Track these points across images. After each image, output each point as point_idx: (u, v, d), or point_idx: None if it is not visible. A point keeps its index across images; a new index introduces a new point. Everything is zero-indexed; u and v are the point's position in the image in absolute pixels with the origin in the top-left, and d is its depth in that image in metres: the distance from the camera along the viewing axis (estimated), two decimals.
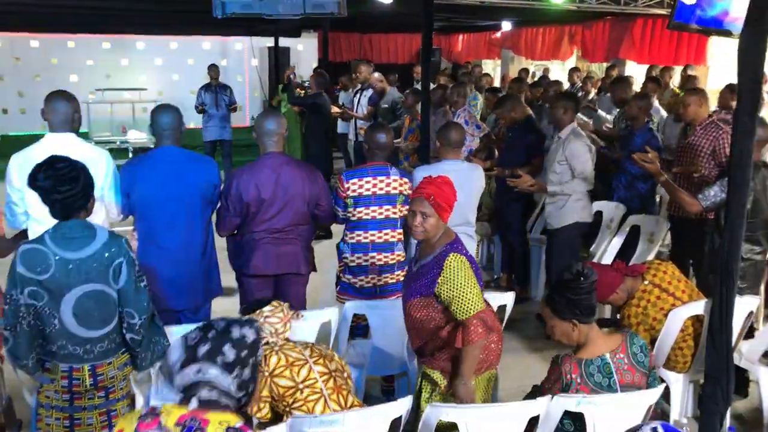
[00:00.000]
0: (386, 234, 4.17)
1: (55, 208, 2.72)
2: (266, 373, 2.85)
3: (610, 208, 5.79)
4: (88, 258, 2.73)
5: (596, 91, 9.78)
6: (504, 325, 4.05)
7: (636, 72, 12.01)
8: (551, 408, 2.78)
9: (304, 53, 16.82)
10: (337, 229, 4.44)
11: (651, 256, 5.41)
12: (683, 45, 10.88)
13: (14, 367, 2.96)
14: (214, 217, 3.99)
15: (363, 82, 8.72)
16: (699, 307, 3.69)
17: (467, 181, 4.36)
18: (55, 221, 2.76)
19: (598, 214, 5.84)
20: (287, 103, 10.47)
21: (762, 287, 4.90)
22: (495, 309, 3.49)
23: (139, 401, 3.55)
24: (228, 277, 4.15)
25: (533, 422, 2.83)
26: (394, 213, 4.17)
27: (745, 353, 4.03)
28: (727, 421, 3.68)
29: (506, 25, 15.18)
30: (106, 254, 2.76)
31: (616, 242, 5.52)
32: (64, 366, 2.79)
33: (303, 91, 9.76)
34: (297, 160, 4.10)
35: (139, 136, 10.88)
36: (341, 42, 16.94)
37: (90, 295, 2.75)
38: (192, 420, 1.79)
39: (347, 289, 4.26)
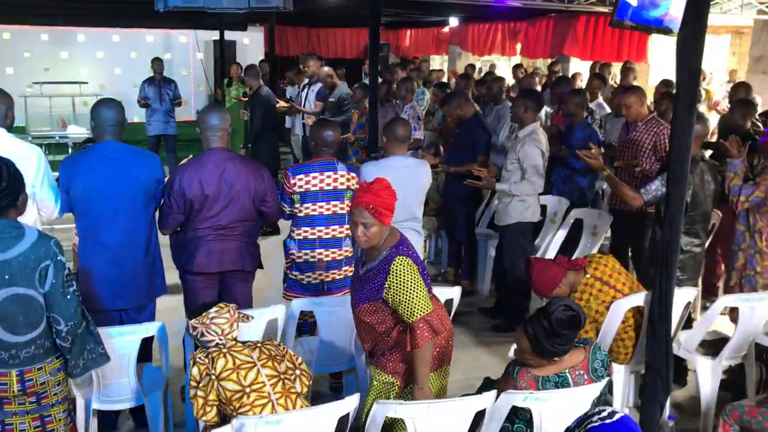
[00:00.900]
0: (334, 230, 4.14)
1: None
2: (213, 377, 2.80)
3: (553, 202, 5.89)
4: (13, 260, 2.61)
5: (541, 87, 9.93)
6: (451, 318, 4.08)
7: (580, 68, 12.26)
8: (498, 404, 2.80)
9: (251, 47, 16.61)
10: (284, 225, 4.38)
11: (595, 250, 5.53)
12: (625, 42, 11.15)
13: None
14: (157, 214, 3.90)
15: (311, 77, 8.65)
16: (639, 298, 3.78)
17: (414, 176, 4.38)
18: None
19: (542, 208, 5.93)
20: (231, 98, 10.32)
21: (700, 279, 5.05)
22: (443, 302, 3.51)
23: (80, 404, 3.46)
24: (172, 275, 4.07)
25: (480, 417, 2.85)
26: (342, 209, 4.14)
27: (683, 343, 4.15)
28: (667, 410, 3.77)
29: (453, 21, 15.29)
30: (33, 256, 2.64)
31: (560, 236, 5.62)
32: None
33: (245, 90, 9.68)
34: (242, 155, 4.03)
35: (80, 131, 10.56)
36: (288, 36, 16.78)
37: (14, 298, 2.63)
38: None
39: (294, 286, 4.22)
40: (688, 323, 4.28)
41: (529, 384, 2.84)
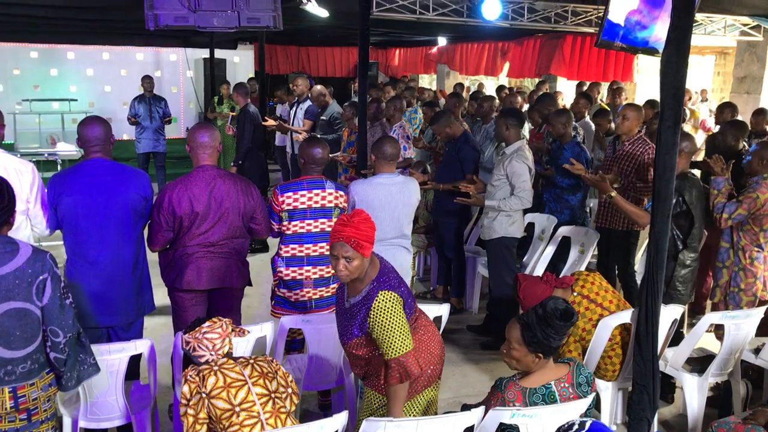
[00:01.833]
0: (321, 247, 4.15)
1: None
2: (204, 395, 2.78)
3: (541, 220, 5.94)
4: (10, 275, 2.62)
5: (528, 105, 10.02)
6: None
7: (565, 88, 12.40)
8: (486, 421, 2.81)
9: (240, 65, 16.68)
10: (273, 242, 4.38)
11: (582, 267, 5.56)
12: (611, 62, 11.27)
13: None
14: (146, 232, 3.90)
15: (300, 95, 8.69)
16: (626, 316, 3.81)
17: (403, 194, 4.40)
18: None
19: (530, 226, 5.98)
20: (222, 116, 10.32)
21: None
22: (431, 319, 3.51)
23: (67, 422, 3.43)
24: (161, 293, 4.06)
25: None
26: (330, 226, 4.16)
27: (670, 360, 4.17)
28: (655, 427, 3.79)
29: (442, 41, 15.43)
30: (30, 270, 2.66)
31: (548, 253, 5.66)
32: None
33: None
34: (231, 173, 4.04)
35: (69, 148, 10.55)
36: (278, 55, 16.87)
37: (11, 313, 2.64)
38: None
39: (282, 303, 4.23)
40: (676, 340, 4.31)
41: (517, 396, 2.86)
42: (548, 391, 2.89)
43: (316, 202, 4.12)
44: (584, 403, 2.89)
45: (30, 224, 3.70)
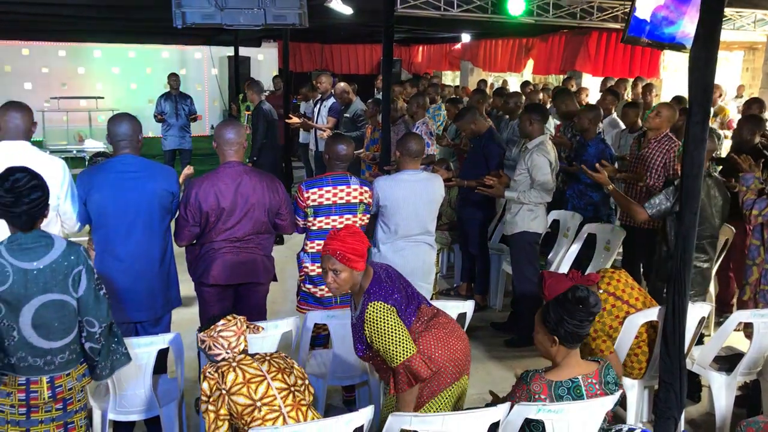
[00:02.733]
0: None
1: (21, 220, 2.67)
2: (223, 391, 2.81)
3: (566, 217, 5.90)
4: (47, 267, 2.69)
5: (551, 101, 9.96)
6: None
7: (591, 84, 12.30)
8: (512, 416, 2.80)
9: (265, 63, 16.79)
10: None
11: (608, 265, 5.52)
12: (637, 58, 11.18)
13: None
14: (173, 227, 3.95)
15: (324, 93, 8.72)
16: (653, 313, 3.78)
17: (427, 190, 4.40)
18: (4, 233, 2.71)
19: (555, 223, 5.95)
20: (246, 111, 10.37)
21: (713, 295, 5.03)
22: (455, 316, 3.52)
23: (97, 415, 3.49)
24: (188, 287, 4.11)
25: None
26: (355, 222, 4.18)
27: (698, 359, 4.13)
28: (682, 426, 3.76)
29: (465, 37, 15.38)
30: (65, 263, 2.73)
31: (573, 251, 5.62)
32: (21, 379, 2.72)
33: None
34: (257, 169, 4.08)
35: (96, 145, 10.70)
36: (302, 52, 16.94)
37: (49, 305, 2.70)
38: None
39: (307, 299, 4.25)
40: (701, 340, 4.27)
41: (542, 388, 2.84)
42: (574, 385, 2.87)
43: (341, 198, 4.14)
44: (611, 400, 2.87)
45: (60, 220, 3.76)
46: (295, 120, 8.80)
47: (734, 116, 11.75)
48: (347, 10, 8.53)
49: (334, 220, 4.15)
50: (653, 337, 3.86)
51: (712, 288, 5.28)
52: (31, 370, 2.72)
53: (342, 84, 8.59)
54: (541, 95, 9.82)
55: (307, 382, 3.03)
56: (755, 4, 8.03)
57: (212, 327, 2.97)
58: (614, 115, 7.84)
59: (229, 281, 3.91)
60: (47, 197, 2.75)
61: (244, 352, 2.99)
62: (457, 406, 3.20)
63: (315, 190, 4.11)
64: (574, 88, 9.94)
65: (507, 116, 7.59)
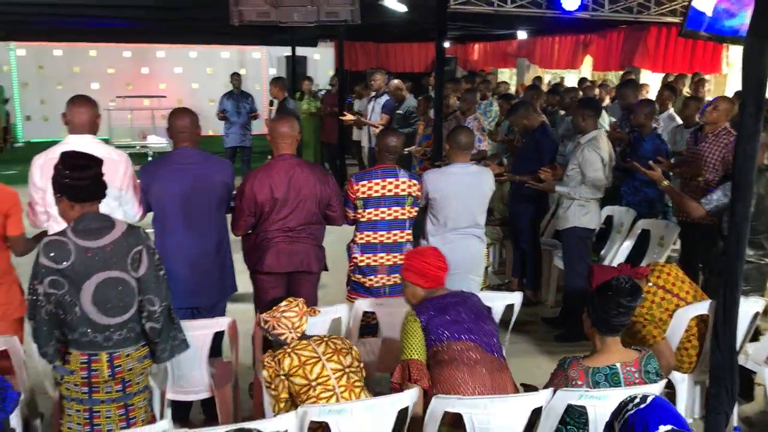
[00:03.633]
0: (395, 235, 4.26)
1: (88, 191, 2.83)
2: (282, 376, 2.95)
3: (620, 213, 5.85)
4: (107, 246, 2.83)
5: (611, 99, 9.83)
6: (512, 326, 4.12)
7: (650, 80, 12.05)
8: (554, 401, 2.83)
9: (321, 62, 17.01)
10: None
11: (662, 261, 5.45)
12: (698, 53, 10.91)
13: (39, 358, 3.05)
14: (230, 217, 4.10)
15: (377, 90, 8.82)
16: (703, 307, 3.73)
17: (476, 183, 4.44)
18: None
19: (609, 219, 5.90)
20: (302, 111, 10.56)
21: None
22: (503, 309, 3.56)
23: (156, 393, 3.64)
24: (244, 278, 4.26)
25: (536, 419, 2.88)
26: (403, 214, 4.26)
27: (752, 355, 4.06)
28: (734, 422, 3.70)
29: (521, 34, 15.26)
30: (125, 243, 2.86)
31: (626, 246, 5.57)
32: (83, 357, 2.85)
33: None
34: (309, 162, 4.20)
35: (159, 141, 11.07)
36: (357, 51, 17.09)
37: (109, 282, 2.83)
38: None
39: (357, 288, 4.35)
40: (755, 336, 4.18)
41: (579, 374, 2.85)
42: (612, 372, 2.86)
43: (390, 191, 4.22)
44: (655, 389, 2.85)
45: (122, 210, 3.94)
46: (348, 117, 8.93)
47: None
48: (401, 8, 8.61)
49: (383, 212, 4.23)
50: (704, 332, 3.82)
51: None
52: (92, 345, 2.85)
53: (396, 81, 8.68)
54: (597, 91, 9.69)
55: (362, 365, 3.13)
56: None
57: (275, 308, 3.10)
58: (671, 110, 7.70)
59: (283, 269, 4.03)
60: (105, 184, 2.89)
61: (303, 335, 3.11)
62: None
63: (365, 182, 4.21)
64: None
65: (562, 111, 7.54)
